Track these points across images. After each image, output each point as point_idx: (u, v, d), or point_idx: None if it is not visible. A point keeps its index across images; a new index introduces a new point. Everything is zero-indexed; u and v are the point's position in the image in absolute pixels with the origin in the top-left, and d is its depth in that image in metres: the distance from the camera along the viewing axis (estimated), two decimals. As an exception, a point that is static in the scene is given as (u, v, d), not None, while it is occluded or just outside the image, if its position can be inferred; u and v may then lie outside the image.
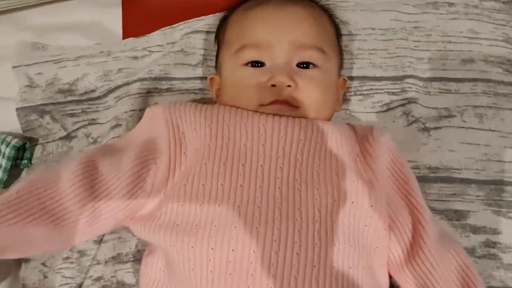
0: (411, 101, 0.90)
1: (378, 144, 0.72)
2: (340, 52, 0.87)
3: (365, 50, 0.94)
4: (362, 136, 0.73)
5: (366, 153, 0.71)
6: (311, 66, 0.75)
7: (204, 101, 0.88)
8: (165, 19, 0.95)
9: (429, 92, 0.91)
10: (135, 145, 0.70)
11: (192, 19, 0.95)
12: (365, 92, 0.92)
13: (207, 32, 0.94)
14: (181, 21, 0.95)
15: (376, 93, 0.91)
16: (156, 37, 0.95)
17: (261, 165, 0.66)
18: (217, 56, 0.86)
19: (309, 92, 0.73)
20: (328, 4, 0.90)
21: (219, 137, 0.68)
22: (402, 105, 0.90)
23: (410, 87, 0.91)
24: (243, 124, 0.68)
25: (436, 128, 0.89)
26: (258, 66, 0.73)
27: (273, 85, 0.71)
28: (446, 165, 0.87)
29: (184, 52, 0.93)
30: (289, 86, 0.71)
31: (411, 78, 0.92)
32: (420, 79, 0.92)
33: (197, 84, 0.92)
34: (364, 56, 0.94)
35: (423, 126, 0.89)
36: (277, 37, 0.73)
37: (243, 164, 0.66)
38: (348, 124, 0.79)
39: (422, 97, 0.91)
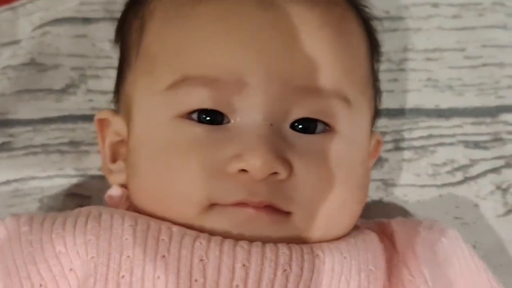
0: (512, 162, 0.66)
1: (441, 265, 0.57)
2: (375, 87, 0.63)
3: (419, 52, 0.69)
4: (404, 255, 0.56)
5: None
6: (319, 127, 0.54)
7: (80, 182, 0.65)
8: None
9: (553, 142, 0.72)
10: None
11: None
12: (416, 143, 0.68)
13: (87, 20, 0.67)
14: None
15: (440, 144, 0.68)
16: (-22, 31, 0.69)
17: None
18: (119, 76, 0.61)
19: (316, 186, 0.52)
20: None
21: (110, 285, 0.50)
22: (493, 170, 0.67)
23: (511, 132, 0.68)
24: (161, 258, 0.50)
25: None
26: (211, 122, 0.53)
27: (243, 171, 0.51)
28: None
29: (39, 65, 0.66)
30: (275, 173, 0.51)
31: (513, 113, 0.70)
32: (533, 113, 0.72)
33: (66, 133, 0.65)
34: (416, 65, 0.69)
35: (537, 219, 0.70)
36: (257, 66, 0.52)
37: None
38: (378, 224, 0.60)
39: (536, 153, 0.72)
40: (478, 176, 0.66)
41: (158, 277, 0.50)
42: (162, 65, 0.56)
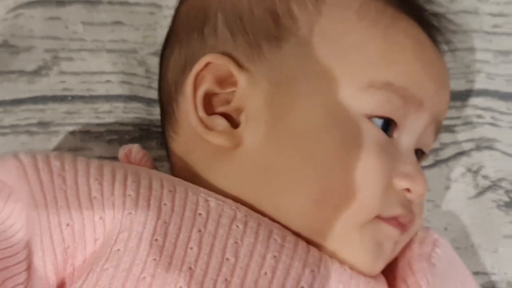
0: (481, 145, 0.68)
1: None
2: None
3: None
4: (402, 272, 0.56)
5: None
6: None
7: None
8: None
9: (522, 124, 0.72)
10: None
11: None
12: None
13: (60, 3, 0.66)
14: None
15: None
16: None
17: None
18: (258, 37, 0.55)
19: (422, 214, 0.57)
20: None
21: (143, 244, 0.49)
22: (463, 153, 0.68)
23: (480, 116, 0.68)
24: (197, 231, 0.50)
25: (534, 202, 0.70)
26: (384, 130, 0.54)
27: (407, 190, 0.53)
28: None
29: (11, 48, 0.65)
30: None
31: (482, 96, 0.69)
32: (503, 96, 0.69)
33: (35, 114, 0.64)
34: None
35: (508, 199, 0.67)
36: (434, 97, 0.56)
37: None
38: None
39: (506, 136, 0.69)
40: (449, 159, 0.67)
41: (191, 248, 0.50)
42: (361, 60, 0.55)
